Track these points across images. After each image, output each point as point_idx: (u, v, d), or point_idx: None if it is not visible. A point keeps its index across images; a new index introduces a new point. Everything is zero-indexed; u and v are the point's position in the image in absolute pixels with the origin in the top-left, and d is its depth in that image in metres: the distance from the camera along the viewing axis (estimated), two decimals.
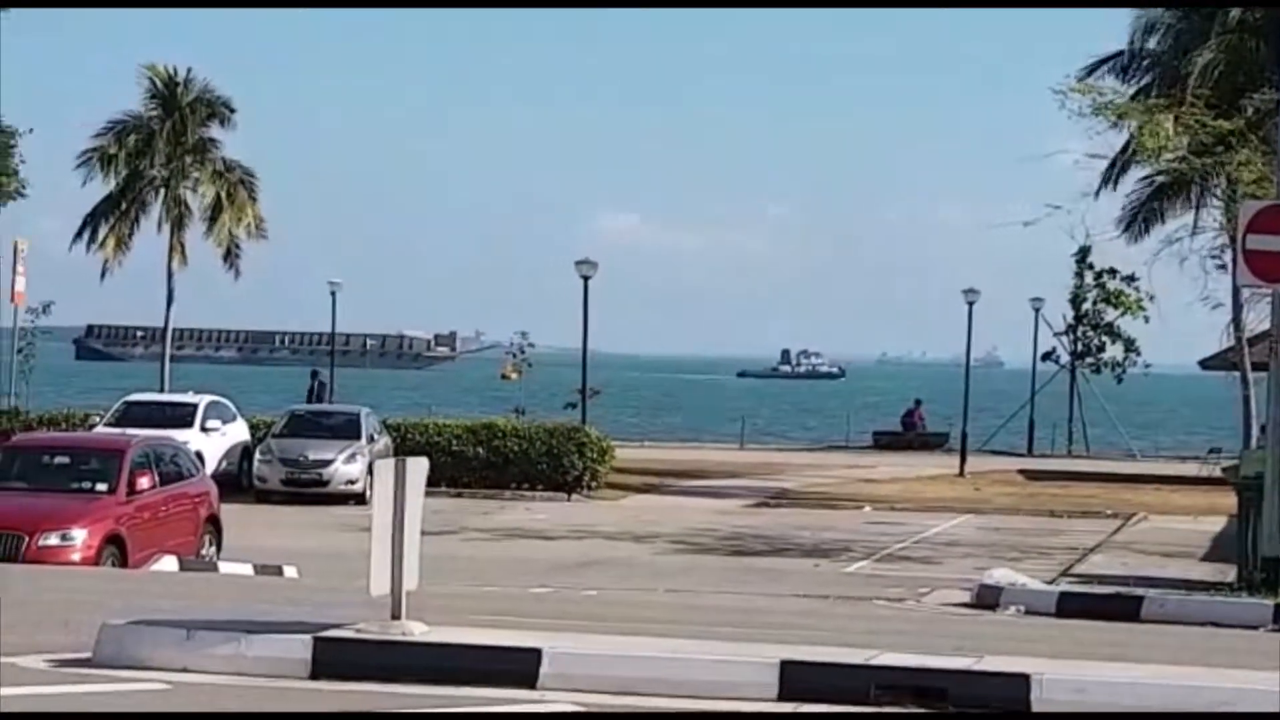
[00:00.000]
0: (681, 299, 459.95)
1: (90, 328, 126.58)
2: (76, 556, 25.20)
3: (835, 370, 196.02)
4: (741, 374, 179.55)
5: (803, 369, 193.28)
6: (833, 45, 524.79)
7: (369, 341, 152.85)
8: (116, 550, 25.80)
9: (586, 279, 52.42)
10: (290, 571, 27.69)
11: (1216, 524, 38.40)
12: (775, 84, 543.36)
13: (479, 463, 45.92)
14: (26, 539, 25.13)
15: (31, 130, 51.16)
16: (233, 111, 60.05)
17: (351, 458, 43.57)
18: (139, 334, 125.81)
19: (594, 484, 47.07)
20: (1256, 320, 43.64)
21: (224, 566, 27.88)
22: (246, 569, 27.63)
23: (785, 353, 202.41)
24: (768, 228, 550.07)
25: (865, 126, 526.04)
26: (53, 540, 25.25)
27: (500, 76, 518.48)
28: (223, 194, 59.43)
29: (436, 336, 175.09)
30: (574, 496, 46.03)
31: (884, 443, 74.40)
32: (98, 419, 43.90)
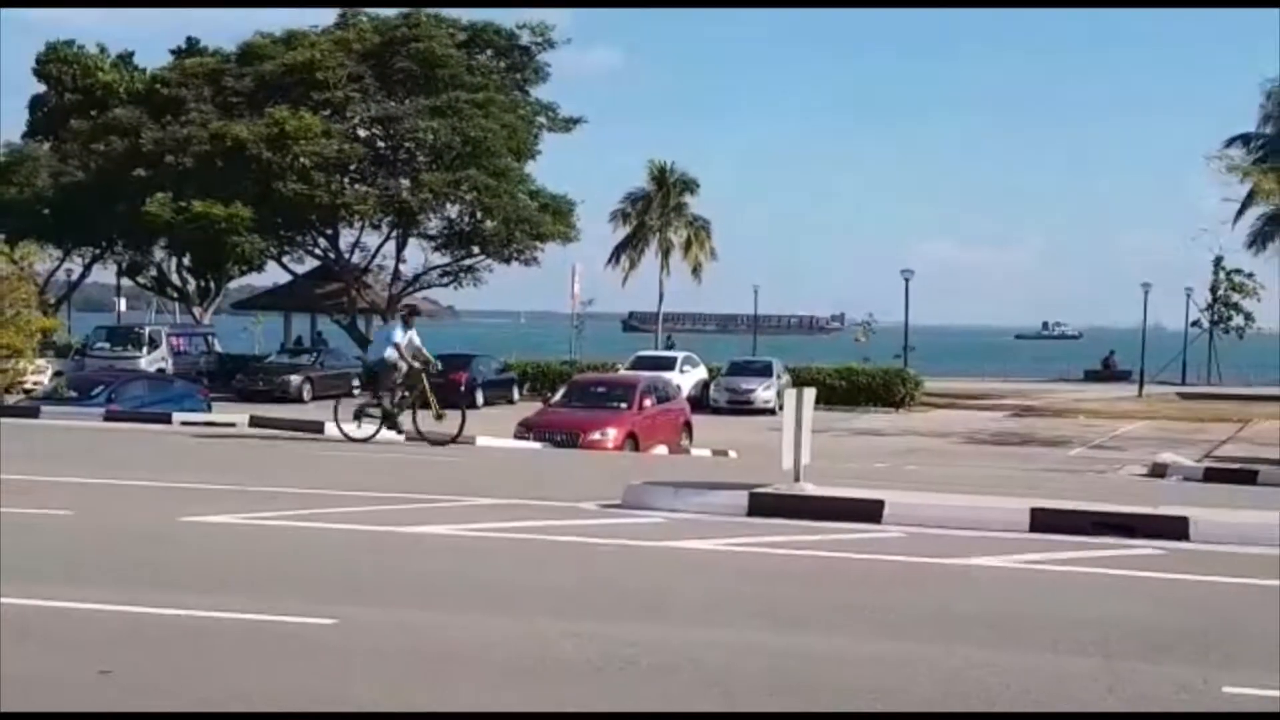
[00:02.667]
0: (975, 288, 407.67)
1: (630, 313, 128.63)
2: (610, 445, 25.77)
3: (1076, 334, 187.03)
4: (1017, 336, 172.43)
5: (1055, 333, 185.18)
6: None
7: (791, 320, 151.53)
8: (632, 442, 26.31)
9: (908, 280, 52.19)
10: (732, 454, 27.93)
11: None
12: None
13: (842, 390, 45.67)
14: (581, 435, 25.82)
15: (583, 201, 52.23)
16: (697, 186, 61.04)
17: (768, 387, 43.79)
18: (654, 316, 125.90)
19: (912, 402, 46.53)
20: None
21: (694, 451, 28.22)
22: (706, 453, 27.93)
23: (1045, 323, 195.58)
24: (1034, 246, 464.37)
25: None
26: (595, 435, 25.87)
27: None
28: (690, 235, 60.51)
29: (831, 315, 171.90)
30: (900, 410, 45.50)
31: (1091, 377, 71.59)
32: (620, 366, 44.74)
